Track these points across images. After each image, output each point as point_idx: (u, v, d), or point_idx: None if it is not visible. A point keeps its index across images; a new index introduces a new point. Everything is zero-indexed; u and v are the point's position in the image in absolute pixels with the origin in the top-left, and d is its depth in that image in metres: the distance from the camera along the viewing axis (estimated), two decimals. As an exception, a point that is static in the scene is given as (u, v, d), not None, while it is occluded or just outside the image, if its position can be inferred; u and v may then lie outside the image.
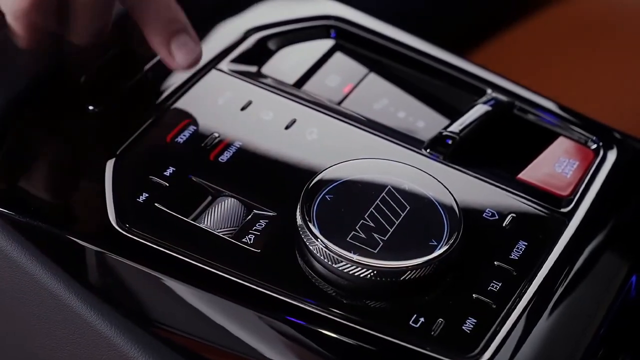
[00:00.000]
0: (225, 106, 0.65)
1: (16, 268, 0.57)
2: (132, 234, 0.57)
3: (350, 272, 0.55)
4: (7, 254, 0.57)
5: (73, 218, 0.59)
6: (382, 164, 0.60)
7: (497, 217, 0.60)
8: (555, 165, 0.64)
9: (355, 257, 0.55)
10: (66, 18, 0.61)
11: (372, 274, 0.55)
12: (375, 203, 0.58)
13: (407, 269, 0.55)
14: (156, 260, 0.56)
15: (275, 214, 0.59)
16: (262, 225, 0.58)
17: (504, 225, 0.60)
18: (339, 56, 0.71)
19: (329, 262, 0.55)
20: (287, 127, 0.64)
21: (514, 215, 0.60)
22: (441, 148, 0.64)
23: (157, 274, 0.56)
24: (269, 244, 0.57)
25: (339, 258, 0.55)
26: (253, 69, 0.68)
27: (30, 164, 0.62)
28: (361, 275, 0.55)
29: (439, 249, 0.56)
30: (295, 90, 0.67)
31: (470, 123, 0.65)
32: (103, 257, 0.57)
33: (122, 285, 0.57)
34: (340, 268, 0.55)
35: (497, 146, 0.66)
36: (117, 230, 0.57)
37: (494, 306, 0.56)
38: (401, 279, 0.55)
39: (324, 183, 0.58)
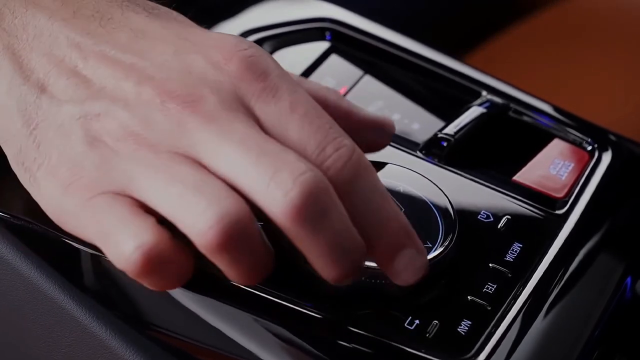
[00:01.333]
0: (220, 108, 0.64)
1: (11, 270, 0.57)
2: (127, 237, 0.57)
3: (345, 274, 0.55)
4: (2, 256, 0.57)
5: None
6: (377, 166, 0.60)
7: (492, 219, 0.60)
8: (550, 167, 0.64)
9: (350, 259, 0.55)
10: None
11: (367, 275, 0.55)
12: (370, 205, 0.58)
13: (402, 270, 0.55)
14: (151, 262, 0.56)
15: (271, 216, 0.58)
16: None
17: (499, 227, 0.60)
18: (334, 58, 0.71)
19: (324, 264, 0.55)
20: (282, 130, 0.64)
21: (509, 217, 0.60)
22: (436, 150, 0.64)
23: (152, 276, 0.56)
24: (264, 246, 0.57)
25: (334, 260, 0.55)
26: (248, 71, 0.68)
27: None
28: (356, 277, 0.55)
29: (434, 251, 0.56)
30: (291, 92, 0.67)
31: (466, 125, 0.65)
32: (98, 260, 0.57)
33: (117, 288, 0.57)
34: (335, 270, 0.55)
35: (492, 148, 0.66)
36: (112, 232, 0.57)
37: (489, 308, 0.56)
38: (396, 280, 0.55)
39: (319, 185, 0.58)
